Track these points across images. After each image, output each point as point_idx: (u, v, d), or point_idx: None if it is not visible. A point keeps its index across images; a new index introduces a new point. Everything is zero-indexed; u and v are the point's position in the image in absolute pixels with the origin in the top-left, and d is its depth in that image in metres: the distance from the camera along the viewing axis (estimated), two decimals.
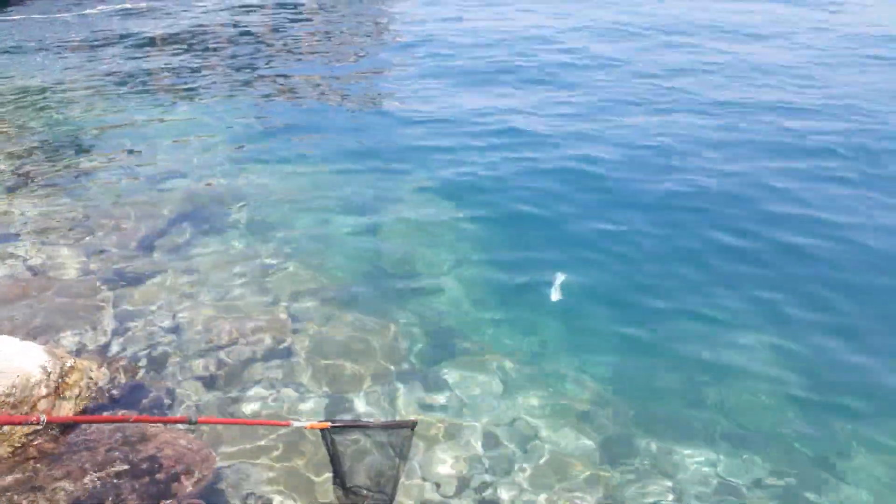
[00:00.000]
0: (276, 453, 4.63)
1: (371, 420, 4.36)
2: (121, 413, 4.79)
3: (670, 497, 4.53)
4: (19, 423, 2.86)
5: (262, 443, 4.69)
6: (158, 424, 4.60)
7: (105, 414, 4.59)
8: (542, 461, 4.75)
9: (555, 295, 6.39)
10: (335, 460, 3.68)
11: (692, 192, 8.61)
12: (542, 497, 4.47)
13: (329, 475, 3.86)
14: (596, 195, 8.64)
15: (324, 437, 3.67)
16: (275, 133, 10.60)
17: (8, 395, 4.46)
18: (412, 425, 3.86)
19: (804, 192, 8.60)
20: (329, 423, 3.65)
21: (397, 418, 4.98)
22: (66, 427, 4.46)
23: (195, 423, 3.55)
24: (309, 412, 5.01)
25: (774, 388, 5.49)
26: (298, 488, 4.37)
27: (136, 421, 3.76)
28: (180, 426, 4.45)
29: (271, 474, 4.46)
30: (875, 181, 8.88)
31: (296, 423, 3.70)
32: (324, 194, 8.52)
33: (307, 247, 7.32)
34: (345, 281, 6.74)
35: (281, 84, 13.09)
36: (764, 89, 12.33)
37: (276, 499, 4.28)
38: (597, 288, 6.70)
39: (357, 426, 3.82)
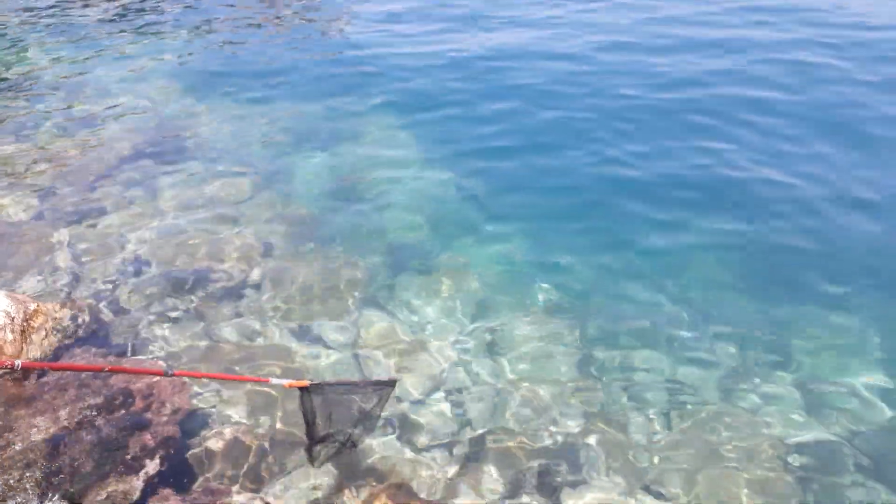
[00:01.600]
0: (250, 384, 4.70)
1: (351, 379, 4.39)
2: (92, 357, 4.79)
3: (635, 402, 4.71)
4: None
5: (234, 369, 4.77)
6: (162, 355, 4.62)
7: (78, 362, 4.58)
8: (511, 376, 4.88)
9: None
10: (308, 418, 3.73)
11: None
12: (512, 411, 4.61)
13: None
14: (557, 110, 8.65)
15: (301, 395, 3.70)
16: (233, 73, 10.22)
17: None
18: (392, 383, 3.95)
19: None
20: (308, 382, 3.70)
21: (364, 343, 5.08)
22: (36, 372, 4.46)
23: (171, 374, 3.60)
24: (277, 346, 5.05)
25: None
26: (275, 413, 4.45)
27: (110, 370, 3.76)
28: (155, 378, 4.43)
29: (246, 401, 4.54)
30: None
31: (274, 380, 3.74)
32: (283, 127, 8.41)
33: (268, 177, 7.24)
34: (308, 210, 6.71)
35: (237, 27, 12.52)
36: None
37: (252, 424, 4.37)
38: (556, 201, 6.79)
39: (336, 384, 3.87)
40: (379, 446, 4.24)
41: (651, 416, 4.58)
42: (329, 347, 5.06)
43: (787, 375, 4.91)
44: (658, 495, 4.04)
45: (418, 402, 4.62)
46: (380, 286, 5.68)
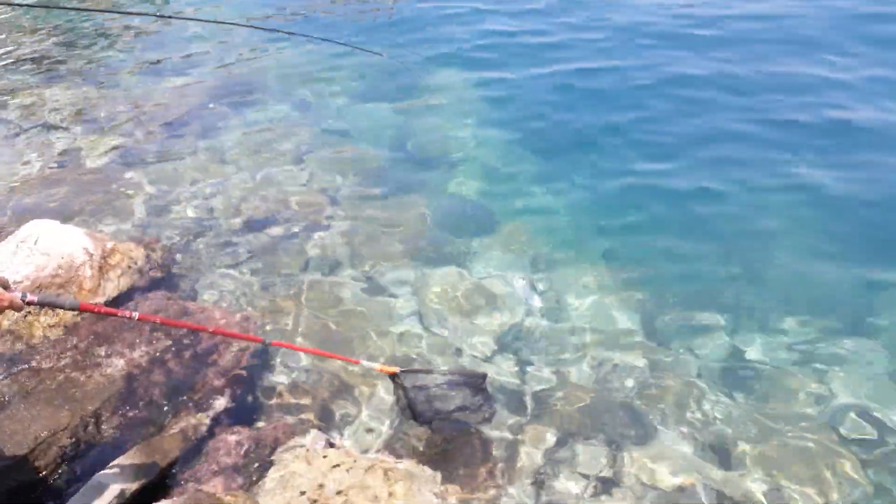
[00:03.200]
0: (314, 318, 4.82)
1: (439, 368, 4.38)
2: (164, 296, 4.96)
3: (700, 364, 4.62)
4: (114, 315, 3.14)
5: (301, 312, 4.88)
6: (232, 298, 4.81)
7: (180, 320, 4.61)
8: (575, 334, 4.85)
9: None
10: (401, 403, 3.89)
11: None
12: (575, 367, 4.60)
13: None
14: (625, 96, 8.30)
15: (393, 381, 3.85)
16: (305, 18, 10.24)
17: (55, 276, 4.67)
18: (483, 376, 4.01)
19: None
20: (398, 369, 3.81)
21: (429, 299, 5.10)
22: (113, 307, 4.67)
23: (268, 344, 3.79)
24: (341, 300, 5.13)
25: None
26: (339, 353, 4.54)
27: (214, 332, 3.94)
28: (253, 344, 4.54)
29: (310, 341, 4.66)
30: None
31: (365, 363, 3.87)
32: (352, 76, 8.37)
33: (337, 127, 7.28)
34: (378, 160, 6.74)
35: None
36: None
37: (316, 365, 4.49)
38: (621, 173, 6.58)
39: (425, 372, 3.98)
40: None
41: (716, 379, 4.48)
42: (395, 297, 5.13)
43: (868, 342, 4.69)
44: (722, 460, 3.97)
45: (483, 358, 4.64)
46: (445, 241, 5.68)
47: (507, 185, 6.38)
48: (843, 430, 4.11)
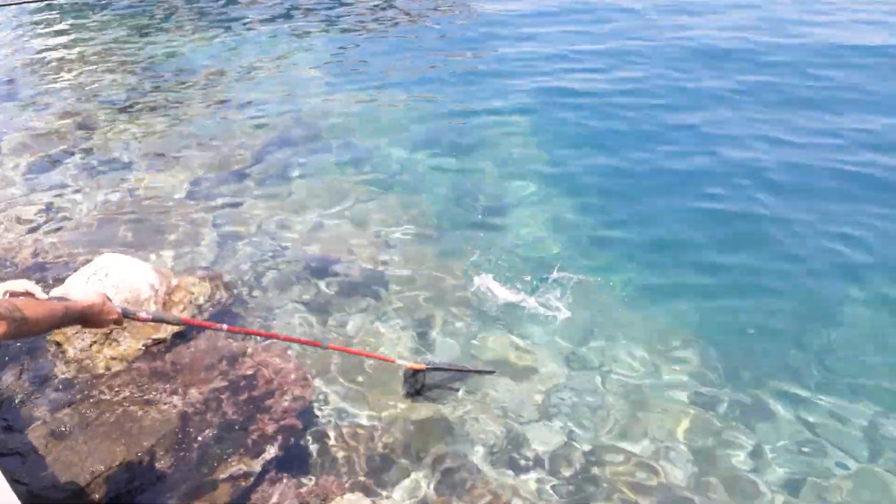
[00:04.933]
0: (366, 382, 4.82)
1: (457, 364, 4.77)
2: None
3: (756, 450, 4.47)
4: (206, 327, 3.56)
5: (353, 373, 4.89)
6: (286, 343, 4.98)
7: (259, 330, 5.13)
8: (622, 403, 4.76)
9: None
10: (414, 389, 4.52)
11: None
12: (624, 434, 4.51)
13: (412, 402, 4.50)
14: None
15: (415, 376, 4.42)
16: (370, 67, 10.52)
17: None
18: (491, 372, 4.75)
19: None
20: (424, 366, 4.38)
21: (476, 353, 5.13)
22: (172, 347, 4.77)
23: (326, 348, 4.23)
24: (394, 342, 5.18)
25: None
26: (390, 417, 4.54)
27: (283, 339, 4.31)
28: (311, 349, 4.95)
29: (362, 396, 4.67)
30: None
31: (399, 361, 4.41)
32: (417, 127, 8.53)
33: (399, 178, 7.40)
34: (436, 215, 6.79)
35: (373, 19, 12.87)
36: None
37: (368, 420, 4.48)
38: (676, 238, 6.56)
39: (445, 368, 4.56)
40: (483, 464, 4.23)
41: (776, 475, 4.30)
42: (439, 351, 5.13)
43: None
44: None
45: (523, 420, 4.58)
46: (496, 298, 5.66)
47: (567, 248, 6.37)
48: None
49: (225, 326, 3.43)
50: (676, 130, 8.43)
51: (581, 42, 11.28)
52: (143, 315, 2.89)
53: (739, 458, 4.38)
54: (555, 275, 5.81)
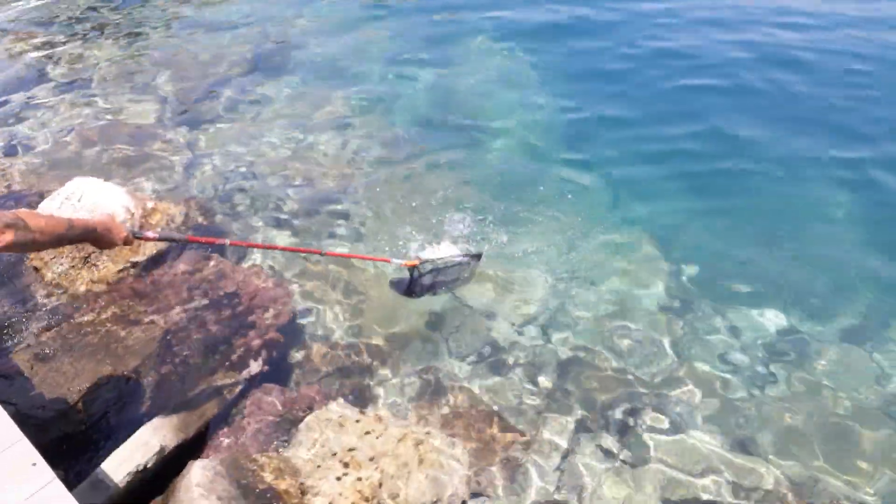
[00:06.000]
0: (346, 288, 4.87)
1: (449, 255, 4.68)
2: (199, 251, 5.07)
3: (732, 352, 4.58)
4: (209, 244, 3.58)
5: (332, 281, 4.94)
6: (265, 263, 5.01)
7: (258, 242, 5.23)
8: (605, 307, 4.84)
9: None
10: (414, 288, 4.40)
11: None
12: (602, 343, 4.60)
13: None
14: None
15: (411, 272, 4.36)
16: None
17: None
18: (479, 256, 4.71)
19: None
20: (418, 261, 4.38)
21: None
22: (152, 268, 4.77)
23: (324, 254, 4.37)
24: (378, 251, 5.17)
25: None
26: (371, 328, 4.61)
27: (283, 249, 4.28)
28: (314, 256, 5.07)
29: (343, 309, 4.72)
30: None
31: (394, 260, 4.39)
32: (393, 43, 8.34)
33: (375, 92, 7.26)
34: (411, 127, 6.71)
35: None
36: None
37: (349, 333, 4.55)
38: (659, 142, 6.55)
39: (438, 260, 4.52)
40: (466, 370, 4.34)
41: (755, 366, 4.43)
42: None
43: None
44: (753, 453, 3.91)
45: (509, 329, 4.67)
46: (475, 210, 5.67)
47: (543, 158, 6.36)
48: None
49: (228, 241, 3.66)
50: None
51: None
52: (150, 235, 2.94)
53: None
54: (536, 189, 5.82)
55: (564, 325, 4.69)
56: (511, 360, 4.42)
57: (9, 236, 2.21)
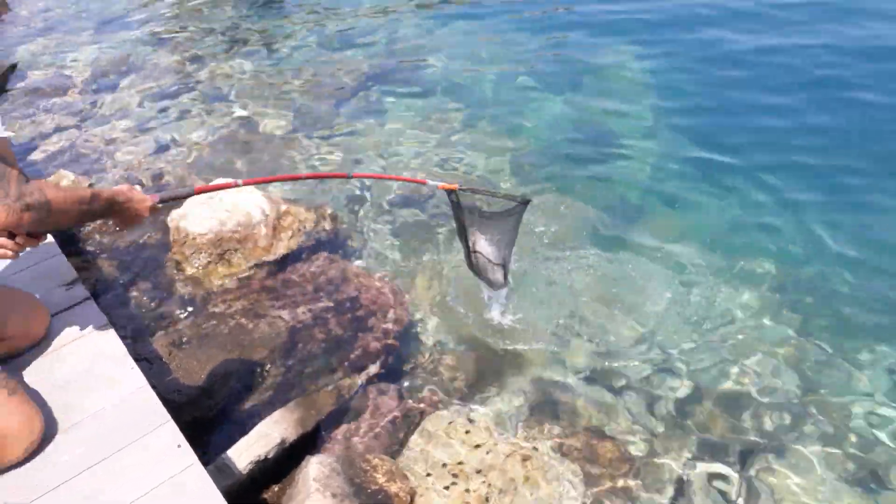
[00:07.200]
0: (457, 303, 4.90)
1: (492, 189, 4.45)
2: (324, 254, 5.24)
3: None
4: (221, 188, 3.62)
5: (443, 291, 4.98)
6: (383, 269, 5.04)
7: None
8: (724, 336, 4.66)
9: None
10: (459, 219, 4.06)
11: None
12: (726, 365, 4.42)
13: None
14: None
15: (450, 196, 3.99)
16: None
17: (234, 232, 5.06)
18: (526, 201, 4.00)
19: None
20: (458, 185, 3.97)
21: (578, 290, 5.05)
22: (281, 268, 5.01)
23: (351, 177, 4.57)
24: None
25: None
26: (481, 340, 4.61)
27: (307, 177, 4.73)
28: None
29: (460, 329, 4.75)
30: None
31: (430, 182, 3.99)
32: (519, 59, 8.40)
33: (500, 112, 7.33)
34: (536, 149, 6.71)
35: None
36: None
37: (461, 343, 4.57)
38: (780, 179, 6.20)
39: (482, 192, 4.15)
40: (580, 387, 4.26)
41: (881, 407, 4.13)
42: (549, 285, 5.11)
43: None
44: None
45: (624, 351, 4.55)
46: (599, 235, 5.57)
47: (665, 190, 6.17)
48: None
49: (240, 182, 3.34)
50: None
51: None
52: (162, 196, 2.88)
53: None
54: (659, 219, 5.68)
55: (683, 353, 4.52)
56: (626, 381, 4.31)
57: (26, 217, 2.18)
